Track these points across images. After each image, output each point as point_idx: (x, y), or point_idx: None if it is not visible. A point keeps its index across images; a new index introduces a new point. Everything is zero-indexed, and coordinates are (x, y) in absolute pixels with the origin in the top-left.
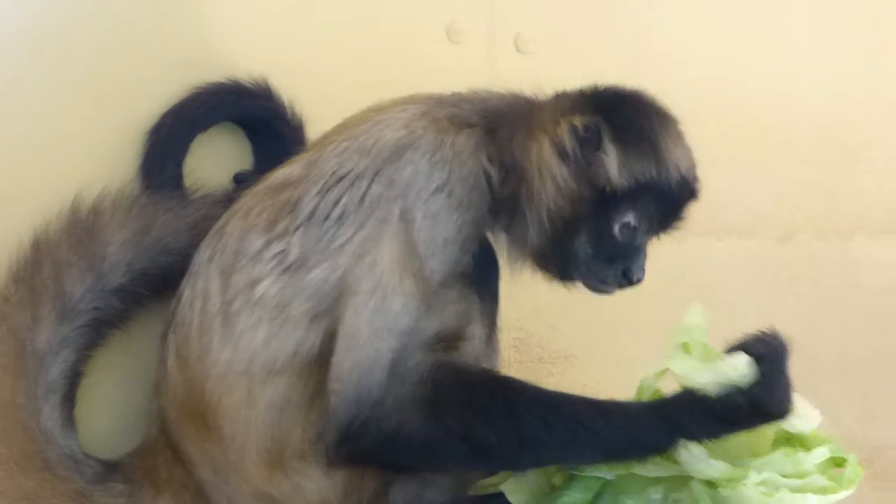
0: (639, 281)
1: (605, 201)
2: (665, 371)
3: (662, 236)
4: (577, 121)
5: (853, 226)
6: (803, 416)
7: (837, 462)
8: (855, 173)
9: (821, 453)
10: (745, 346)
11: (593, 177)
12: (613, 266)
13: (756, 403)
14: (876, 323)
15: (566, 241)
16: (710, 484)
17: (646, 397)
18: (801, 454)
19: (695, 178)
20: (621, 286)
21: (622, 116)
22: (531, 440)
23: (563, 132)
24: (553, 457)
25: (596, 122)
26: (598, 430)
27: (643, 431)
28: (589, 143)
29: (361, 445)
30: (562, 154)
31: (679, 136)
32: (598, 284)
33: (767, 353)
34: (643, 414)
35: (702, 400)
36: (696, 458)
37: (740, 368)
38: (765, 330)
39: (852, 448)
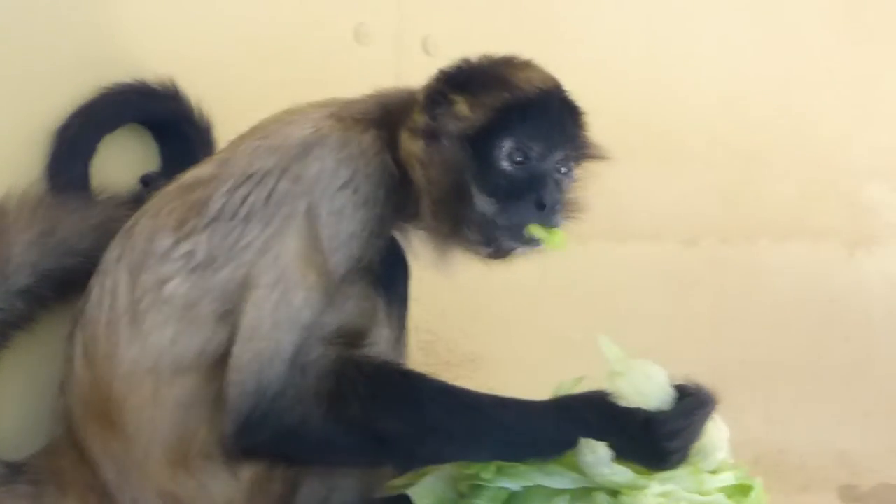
0: (554, 207)
1: (477, 145)
2: (582, 379)
3: (576, 162)
4: (423, 95)
5: (757, 230)
6: (708, 454)
7: (743, 489)
8: (755, 177)
9: (726, 478)
10: (678, 384)
11: (451, 130)
12: (524, 200)
13: (650, 425)
14: (779, 327)
15: (464, 207)
16: (614, 494)
17: None
18: (707, 475)
19: (558, 88)
20: (542, 220)
21: (464, 71)
22: (433, 429)
23: (416, 116)
24: (455, 447)
25: (439, 88)
26: (499, 418)
27: (542, 421)
28: (440, 107)
29: (261, 438)
30: (417, 134)
31: (527, 65)
32: (515, 230)
33: (692, 396)
34: (544, 405)
35: (604, 399)
36: (600, 461)
37: (653, 376)
38: (701, 383)
39: (757, 451)
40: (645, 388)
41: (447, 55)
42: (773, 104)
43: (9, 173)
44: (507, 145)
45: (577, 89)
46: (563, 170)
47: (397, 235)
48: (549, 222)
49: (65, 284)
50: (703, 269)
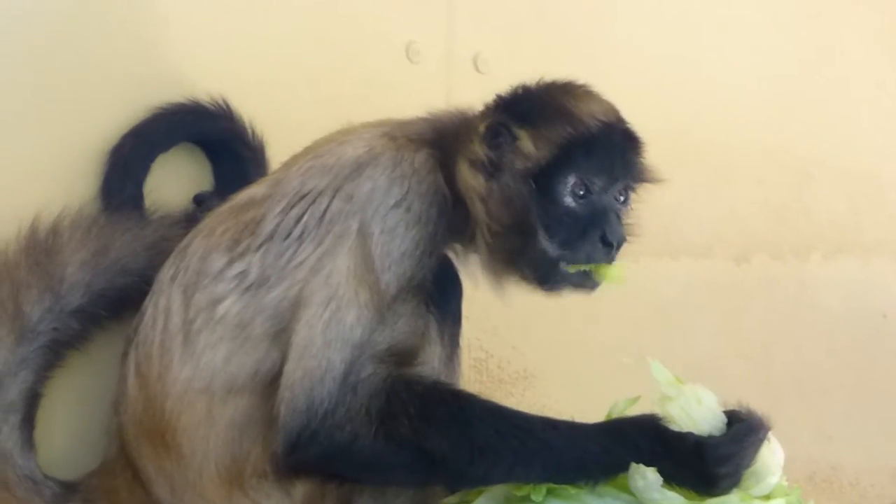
0: (620, 243)
1: (541, 182)
2: (637, 399)
3: (633, 190)
4: (483, 126)
5: (808, 245)
6: (761, 479)
7: None
8: (805, 193)
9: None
10: (730, 409)
11: (515, 166)
12: (588, 237)
13: (700, 449)
14: (831, 342)
15: (526, 240)
16: None
17: None
18: (758, 501)
19: (619, 120)
20: (607, 256)
21: (524, 101)
22: (483, 450)
23: (476, 146)
24: (504, 468)
25: (500, 120)
26: (549, 440)
27: (592, 445)
28: (501, 141)
29: (311, 455)
30: (479, 167)
31: (588, 94)
32: (583, 272)
33: (744, 421)
34: (594, 428)
35: (654, 423)
36: (651, 486)
37: (704, 401)
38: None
39: (810, 468)
40: (696, 412)
41: (497, 72)
42: (822, 120)
43: (63, 193)
44: (570, 181)
45: (626, 107)
46: (623, 199)
47: (450, 253)
48: (612, 259)
49: (118, 304)
50: (755, 284)
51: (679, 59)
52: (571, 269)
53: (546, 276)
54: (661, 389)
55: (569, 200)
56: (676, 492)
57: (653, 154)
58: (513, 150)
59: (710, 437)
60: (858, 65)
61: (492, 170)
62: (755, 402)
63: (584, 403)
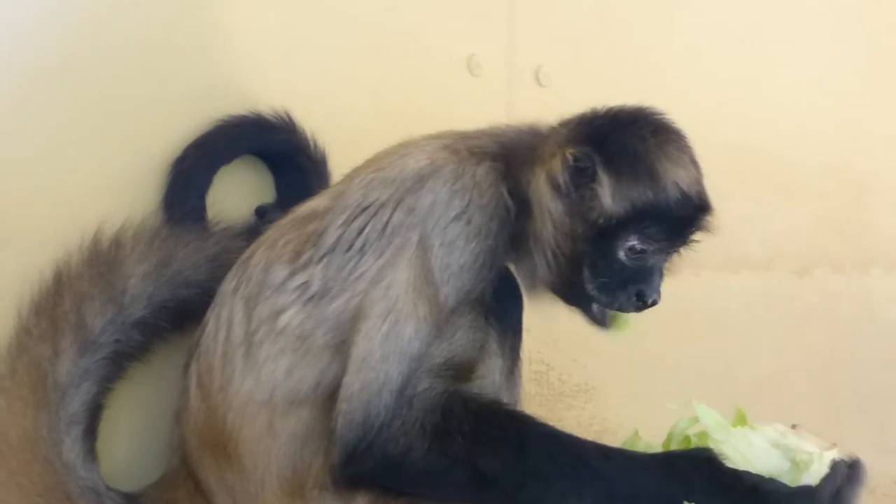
0: (654, 303)
1: (605, 230)
2: (697, 420)
3: (681, 253)
4: (570, 152)
5: (869, 259)
6: None
7: None
8: (867, 207)
9: None
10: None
11: (588, 210)
12: (626, 290)
13: (757, 492)
14: (893, 356)
15: (574, 273)
16: None
17: (675, 442)
18: None
19: (699, 193)
20: (637, 309)
21: (615, 142)
22: (535, 474)
23: (557, 165)
24: (555, 495)
25: (588, 152)
26: (602, 470)
27: (646, 478)
28: (583, 174)
29: (366, 467)
30: (556, 188)
31: (679, 154)
32: (611, 309)
33: (835, 470)
34: (650, 460)
35: (711, 460)
36: None
37: (755, 442)
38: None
39: (872, 482)
40: (748, 453)
41: (559, 86)
42: (883, 134)
43: (126, 205)
44: (631, 242)
45: (687, 121)
46: (670, 255)
47: (511, 266)
48: (641, 309)
49: (180, 315)
50: (815, 298)
51: (739, 73)
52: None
53: (572, 302)
54: (709, 433)
55: (622, 255)
56: None
57: (716, 167)
58: (591, 190)
59: (771, 479)
60: None
61: (567, 200)
62: (816, 416)
63: (645, 417)
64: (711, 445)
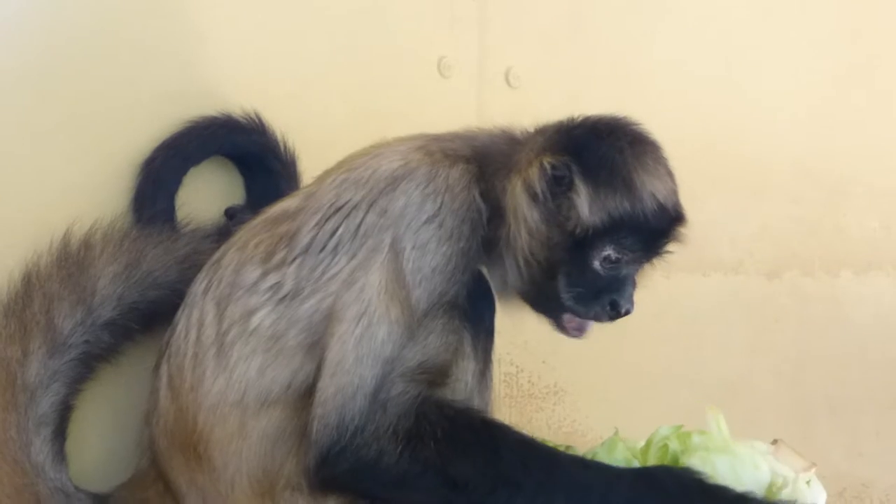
0: (627, 312)
1: (581, 240)
2: (681, 427)
3: (654, 263)
4: (548, 161)
5: (840, 262)
6: None
7: None
8: (837, 210)
9: None
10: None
11: (565, 219)
12: (600, 299)
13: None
14: (863, 359)
15: (547, 281)
16: None
17: (654, 449)
18: None
19: (675, 205)
20: (611, 319)
21: (593, 152)
22: (508, 480)
23: (534, 174)
24: (525, 500)
25: (566, 161)
26: (577, 479)
27: (621, 488)
28: (560, 182)
29: (339, 471)
30: (533, 196)
31: (656, 165)
32: (573, 323)
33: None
34: (625, 472)
35: (695, 476)
36: None
37: (756, 464)
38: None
39: (841, 485)
40: (741, 470)
41: (529, 87)
42: (855, 138)
43: (95, 206)
44: (606, 252)
45: (659, 121)
46: (643, 265)
47: (483, 269)
48: (615, 318)
49: (150, 317)
50: (786, 301)
51: (711, 76)
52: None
53: (545, 311)
54: (713, 440)
55: (597, 265)
56: None
57: (685, 170)
58: (568, 199)
59: (752, 493)
60: (892, 84)
61: (544, 208)
62: (786, 418)
63: (615, 419)
64: (697, 457)
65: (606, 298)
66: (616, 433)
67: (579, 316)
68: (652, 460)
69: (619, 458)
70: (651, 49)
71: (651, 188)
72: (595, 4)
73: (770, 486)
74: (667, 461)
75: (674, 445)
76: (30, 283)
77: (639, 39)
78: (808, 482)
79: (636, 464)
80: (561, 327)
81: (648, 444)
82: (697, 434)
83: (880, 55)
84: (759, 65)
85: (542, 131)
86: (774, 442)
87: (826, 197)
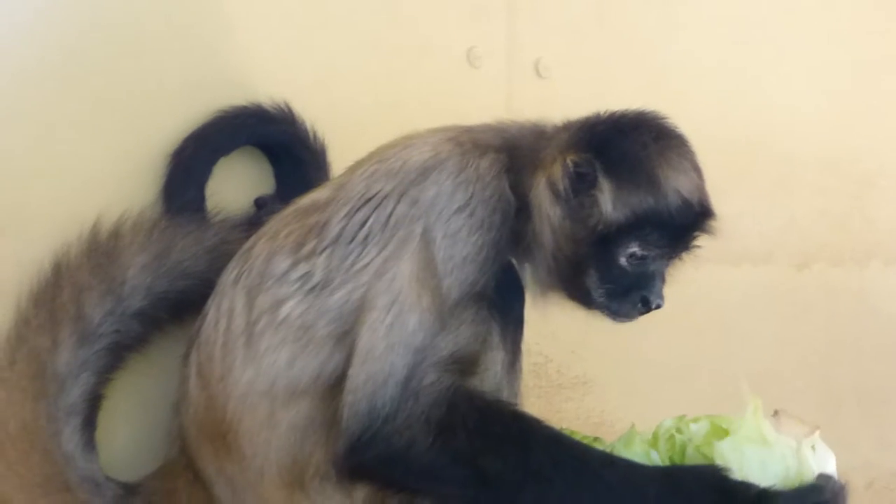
0: (658, 307)
1: (606, 237)
2: (683, 418)
3: (683, 258)
4: (571, 158)
5: (868, 253)
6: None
7: None
8: (865, 201)
9: None
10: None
11: (588, 216)
12: (630, 296)
13: (761, 501)
14: (891, 349)
15: (576, 278)
16: None
17: (661, 440)
18: None
19: (700, 200)
20: (641, 314)
21: (617, 149)
22: (537, 474)
23: (558, 171)
24: (554, 495)
25: (589, 158)
26: (604, 477)
27: (647, 488)
28: (584, 180)
29: (369, 458)
30: (556, 194)
31: (681, 160)
32: (618, 316)
33: (819, 484)
34: (652, 471)
35: (718, 475)
36: None
37: (782, 453)
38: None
39: (870, 475)
40: (767, 461)
41: (559, 77)
42: (881, 130)
43: (124, 196)
44: (632, 248)
45: (687, 116)
46: (672, 260)
47: (513, 260)
48: (645, 313)
49: (179, 306)
50: (815, 291)
51: (739, 69)
52: None
53: (587, 307)
54: (745, 427)
55: (623, 261)
56: None
57: (714, 164)
58: (591, 196)
59: (774, 489)
60: None
61: (567, 206)
62: (815, 409)
63: (642, 410)
64: (722, 453)
65: (637, 295)
66: (633, 427)
67: (611, 312)
68: (663, 452)
69: (638, 451)
70: (678, 42)
71: (675, 183)
72: None
73: (798, 475)
74: (676, 452)
75: (680, 437)
76: (60, 273)
77: (666, 31)
78: (812, 447)
79: (655, 456)
80: (607, 314)
81: (655, 436)
82: (705, 420)
83: None
84: (785, 58)
85: (567, 127)
86: (775, 413)
87: (853, 188)
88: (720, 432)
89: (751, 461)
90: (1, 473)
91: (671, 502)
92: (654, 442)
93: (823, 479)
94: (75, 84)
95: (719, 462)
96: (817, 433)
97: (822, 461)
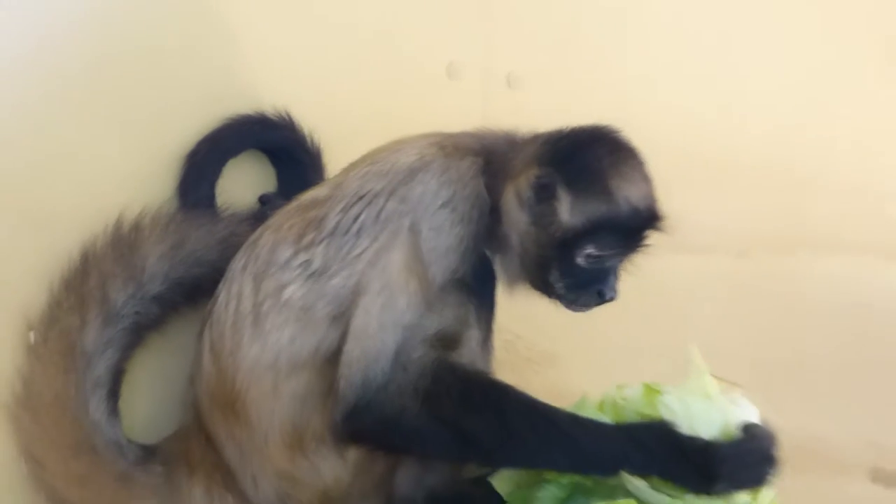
0: (611, 299)
1: (565, 240)
2: (624, 387)
3: (635, 256)
4: (534, 172)
5: (800, 244)
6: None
7: None
8: (799, 198)
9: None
10: (748, 423)
11: (549, 223)
12: (588, 289)
13: (707, 451)
14: (819, 330)
15: (541, 274)
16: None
17: (607, 408)
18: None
19: (648, 207)
20: (597, 304)
21: (575, 163)
22: (514, 436)
23: (523, 183)
24: (529, 453)
25: (550, 172)
26: (571, 434)
27: (611, 443)
28: (546, 191)
29: (364, 424)
30: (521, 203)
31: (632, 171)
32: (576, 306)
33: (752, 431)
34: (614, 429)
35: (668, 430)
36: (639, 489)
37: (734, 411)
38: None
39: (798, 439)
40: (710, 413)
41: (528, 89)
42: (817, 134)
43: (144, 194)
44: (587, 250)
45: (644, 121)
46: (625, 258)
47: (487, 251)
48: (601, 304)
49: (193, 291)
50: (752, 278)
51: (693, 78)
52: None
53: (551, 299)
54: (689, 382)
55: (581, 261)
56: (663, 492)
57: (666, 164)
58: (551, 206)
59: (717, 440)
60: (847, 85)
61: (531, 213)
62: (750, 380)
63: (602, 381)
64: (650, 408)
65: (594, 288)
66: (584, 395)
67: (571, 303)
68: (609, 418)
69: (588, 415)
70: (638, 54)
71: (626, 193)
72: (590, 13)
73: (734, 426)
74: (620, 417)
75: (623, 402)
76: (87, 262)
77: (628, 45)
78: (734, 403)
79: (604, 418)
80: (567, 305)
81: (601, 404)
82: (639, 386)
83: (838, 63)
84: (734, 70)
85: (534, 140)
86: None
87: (786, 185)
88: (651, 394)
89: (695, 414)
90: (37, 437)
91: (631, 455)
92: (601, 408)
93: (755, 427)
94: (100, 94)
95: (667, 416)
96: (740, 391)
97: (750, 414)
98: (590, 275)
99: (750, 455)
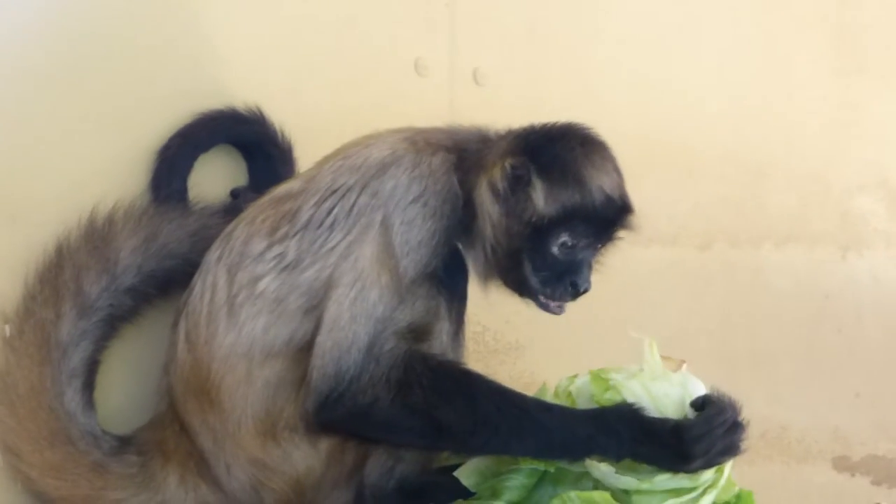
0: (586, 291)
1: (539, 229)
2: (575, 377)
3: (608, 246)
4: (509, 163)
5: (762, 235)
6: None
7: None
8: (760, 190)
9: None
10: (703, 394)
11: (523, 211)
12: (562, 280)
13: (678, 432)
14: (781, 319)
15: (514, 268)
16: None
17: (561, 397)
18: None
19: (621, 196)
20: (572, 297)
21: (548, 154)
22: (484, 422)
23: (498, 174)
24: (501, 440)
25: (525, 162)
26: (541, 420)
27: (579, 429)
28: (520, 180)
29: (337, 414)
30: (496, 193)
31: (603, 162)
32: (551, 302)
33: (715, 403)
34: (582, 415)
35: (634, 412)
36: (605, 474)
37: (688, 386)
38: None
39: (763, 427)
40: (656, 388)
41: (494, 85)
42: (775, 126)
43: (117, 188)
44: (562, 239)
45: (606, 113)
46: (598, 250)
47: (459, 245)
48: (576, 297)
49: (166, 283)
50: (715, 269)
51: (652, 72)
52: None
53: (523, 295)
54: (645, 368)
55: (555, 250)
56: (629, 475)
57: (629, 156)
58: (526, 194)
59: (686, 419)
60: (807, 79)
61: (505, 204)
62: (715, 369)
63: (566, 371)
64: (629, 391)
65: (567, 280)
66: (544, 384)
67: (546, 297)
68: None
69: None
70: (601, 50)
71: (599, 182)
72: (552, 11)
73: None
74: (574, 405)
75: (575, 391)
76: (61, 254)
77: (591, 41)
78: (682, 379)
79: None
80: (541, 305)
81: (556, 393)
82: (586, 374)
83: (794, 56)
84: (693, 64)
85: (506, 135)
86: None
87: (749, 178)
88: (600, 382)
89: (657, 395)
90: (13, 428)
91: (600, 439)
92: (556, 397)
93: (714, 397)
94: (74, 90)
95: (631, 400)
96: (685, 366)
97: (700, 388)
98: (563, 266)
99: (719, 427)
